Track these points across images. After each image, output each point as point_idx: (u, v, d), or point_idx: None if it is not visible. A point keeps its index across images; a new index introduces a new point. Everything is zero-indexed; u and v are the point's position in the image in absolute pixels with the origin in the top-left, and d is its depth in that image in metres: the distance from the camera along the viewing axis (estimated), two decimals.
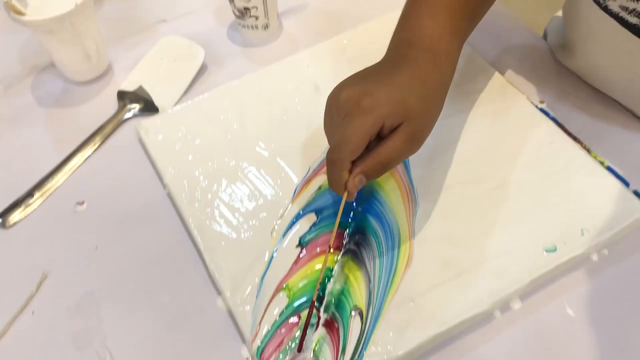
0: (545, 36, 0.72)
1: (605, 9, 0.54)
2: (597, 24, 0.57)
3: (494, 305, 0.47)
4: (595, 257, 0.51)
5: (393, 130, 0.46)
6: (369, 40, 0.67)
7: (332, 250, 0.50)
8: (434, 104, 0.49)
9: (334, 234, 0.49)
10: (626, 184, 0.54)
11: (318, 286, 0.48)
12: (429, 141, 0.52)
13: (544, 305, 0.49)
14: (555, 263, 0.49)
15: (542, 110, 0.60)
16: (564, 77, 0.64)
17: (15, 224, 0.57)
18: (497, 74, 0.63)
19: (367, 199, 0.54)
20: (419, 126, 0.47)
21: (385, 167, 0.46)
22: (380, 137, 0.46)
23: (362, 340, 0.46)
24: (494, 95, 0.61)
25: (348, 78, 0.50)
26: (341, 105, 0.46)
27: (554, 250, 0.50)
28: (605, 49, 0.59)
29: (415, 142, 0.47)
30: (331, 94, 0.49)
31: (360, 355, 0.45)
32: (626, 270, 0.51)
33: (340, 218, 0.49)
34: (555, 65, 0.66)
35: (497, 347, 0.47)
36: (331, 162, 0.46)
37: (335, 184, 0.47)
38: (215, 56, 0.70)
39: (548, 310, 0.49)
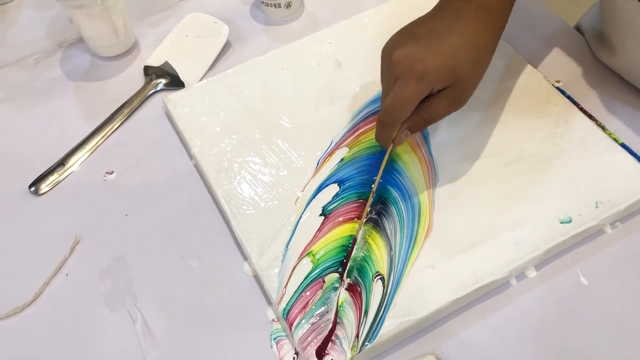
0: (577, 28, 0.71)
1: None
2: (636, 20, 0.56)
3: (510, 273, 0.49)
4: (608, 230, 0.53)
5: (439, 90, 0.48)
6: (390, 18, 0.68)
7: (362, 220, 0.52)
8: (483, 66, 0.50)
9: (372, 194, 0.52)
10: (639, 159, 0.55)
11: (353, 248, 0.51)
12: (448, 117, 0.54)
13: (558, 274, 0.51)
14: (570, 234, 0.51)
15: (558, 88, 0.62)
16: (580, 58, 0.66)
17: (47, 192, 0.59)
18: (514, 53, 0.64)
19: (388, 172, 0.56)
20: (465, 88, 0.49)
21: (429, 122, 0.51)
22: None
23: (384, 304, 0.48)
24: (512, 73, 0.63)
25: (400, 32, 0.52)
26: (394, 66, 0.49)
27: (569, 221, 0.51)
28: None
29: (459, 102, 0.50)
30: (385, 47, 0.51)
31: (382, 317, 0.47)
32: (638, 242, 0.52)
33: (362, 189, 0.53)
34: (572, 46, 0.67)
35: (512, 313, 0.49)
36: (383, 123, 0.50)
37: (383, 140, 0.51)
38: (238, 34, 0.72)
39: (562, 279, 0.51)
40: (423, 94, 0.48)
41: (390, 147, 0.51)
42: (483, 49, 0.50)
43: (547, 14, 0.71)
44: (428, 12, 0.52)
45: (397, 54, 0.48)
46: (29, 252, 0.55)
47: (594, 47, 0.65)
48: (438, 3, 0.53)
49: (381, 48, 0.52)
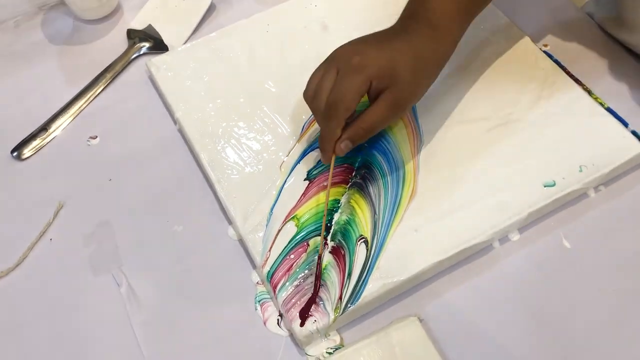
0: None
1: None
2: None
3: (493, 235, 0.50)
4: (592, 193, 0.53)
5: (378, 95, 0.49)
6: None
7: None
8: (424, 77, 0.51)
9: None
10: (625, 124, 0.55)
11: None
12: (435, 81, 0.53)
13: (541, 237, 0.51)
14: (553, 197, 0.51)
15: (545, 52, 0.61)
16: (568, 23, 0.65)
17: (30, 157, 0.59)
18: (502, 16, 0.64)
19: (374, 136, 0.55)
20: (403, 94, 0.49)
21: (369, 132, 0.50)
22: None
23: (367, 266, 0.48)
24: (499, 36, 0.62)
25: (352, 40, 0.52)
26: (334, 60, 0.49)
27: (553, 185, 0.51)
28: None
29: (397, 109, 0.50)
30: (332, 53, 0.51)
31: (365, 280, 0.47)
32: (621, 206, 0.53)
33: (346, 154, 0.52)
34: (560, 10, 0.66)
35: (495, 275, 0.49)
36: (327, 117, 0.48)
37: (326, 143, 0.50)
38: None
39: (545, 241, 0.51)
40: (363, 85, 0.47)
41: (333, 160, 0.50)
42: (424, 61, 0.50)
43: None
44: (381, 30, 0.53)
45: (339, 50, 0.50)
46: (12, 216, 0.55)
47: (609, 28, 0.64)
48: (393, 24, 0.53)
49: (368, 10, 0.52)
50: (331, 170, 0.51)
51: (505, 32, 0.62)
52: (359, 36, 0.52)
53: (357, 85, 0.47)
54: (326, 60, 0.51)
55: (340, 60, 0.49)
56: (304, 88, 0.59)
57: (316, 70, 0.51)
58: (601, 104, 0.57)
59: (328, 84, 0.48)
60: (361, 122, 0.49)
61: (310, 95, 0.50)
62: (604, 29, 0.64)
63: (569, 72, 0.60)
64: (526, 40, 0.62)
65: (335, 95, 0.48)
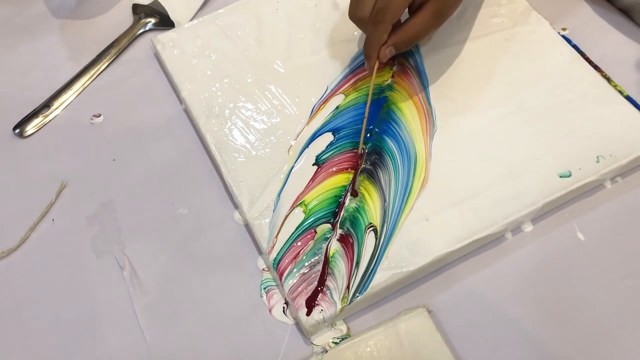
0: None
1: None
2: None
3: (506, 226, 0.48)
4: (608, 185, 0.52)
5: (422, 5, 0.50)
6: None
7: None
8: None
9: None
10: None
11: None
12: (449, 64, 0.51)
13: (555, 229, 0.50)
14: (569, 188, 0.49)
15: (564, 37, 0.59)
16: (588, 6, 0.63)
17: (32, 134, 0.57)
18: None
19: (384, 121, 0.54)
20: (447, 3, 0.51)
21: (413, 40, 0.52)
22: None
23: (376, 256, 0.47)
24: (516, 19, 0.60)
25: None
26: None
27: (569, 175, 0.50)
28: None
29: (441, 17, 0.51)
30: None
31: (374, 269, 0.46)
32: (638, 198, 0.51)
33: (357, 138, 0.52)
34: None
35: (506, 267, 0.48)
36: (375, 23, 0.50)
37: (372, 48, 0.52)
38: None
39: (559, 233, 0.50)
40: None
41: (376, 68, 0.52)
42: None
43: None
44: None
45: None
46: (13, 195, 0.54)
47: (635, 14, 0.61)
48: None
49: None
50: (373, 78, 0.53)
51: (523, 15, 0.60)
52: None
53: None
54: None
55: None
56: (313, 69, 0.58)
57: None
58: (620, 92, 0.55)
59: None
60: (406, 30, 0.51)
61: (354, 3, 0.51)
62: (628, 15, 0.62)
63: (588, 58, 0.58)
64: (544, 23, 0.59)
65: (383, 1, 0.49)
